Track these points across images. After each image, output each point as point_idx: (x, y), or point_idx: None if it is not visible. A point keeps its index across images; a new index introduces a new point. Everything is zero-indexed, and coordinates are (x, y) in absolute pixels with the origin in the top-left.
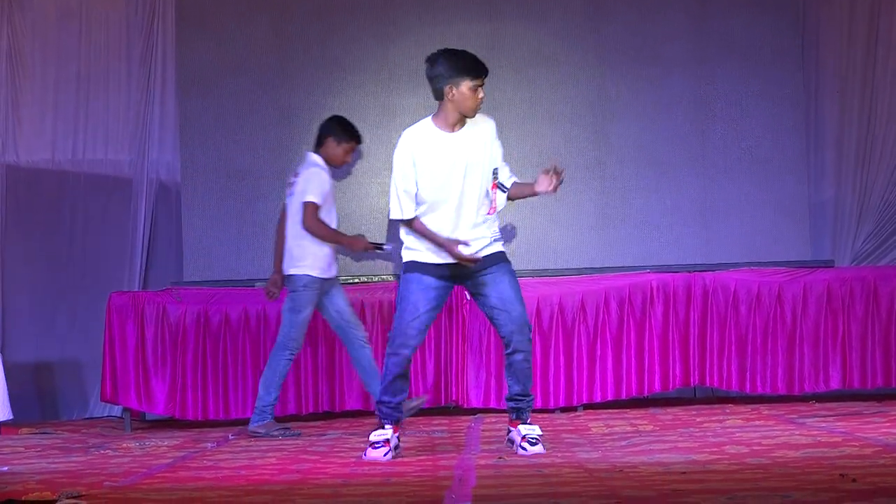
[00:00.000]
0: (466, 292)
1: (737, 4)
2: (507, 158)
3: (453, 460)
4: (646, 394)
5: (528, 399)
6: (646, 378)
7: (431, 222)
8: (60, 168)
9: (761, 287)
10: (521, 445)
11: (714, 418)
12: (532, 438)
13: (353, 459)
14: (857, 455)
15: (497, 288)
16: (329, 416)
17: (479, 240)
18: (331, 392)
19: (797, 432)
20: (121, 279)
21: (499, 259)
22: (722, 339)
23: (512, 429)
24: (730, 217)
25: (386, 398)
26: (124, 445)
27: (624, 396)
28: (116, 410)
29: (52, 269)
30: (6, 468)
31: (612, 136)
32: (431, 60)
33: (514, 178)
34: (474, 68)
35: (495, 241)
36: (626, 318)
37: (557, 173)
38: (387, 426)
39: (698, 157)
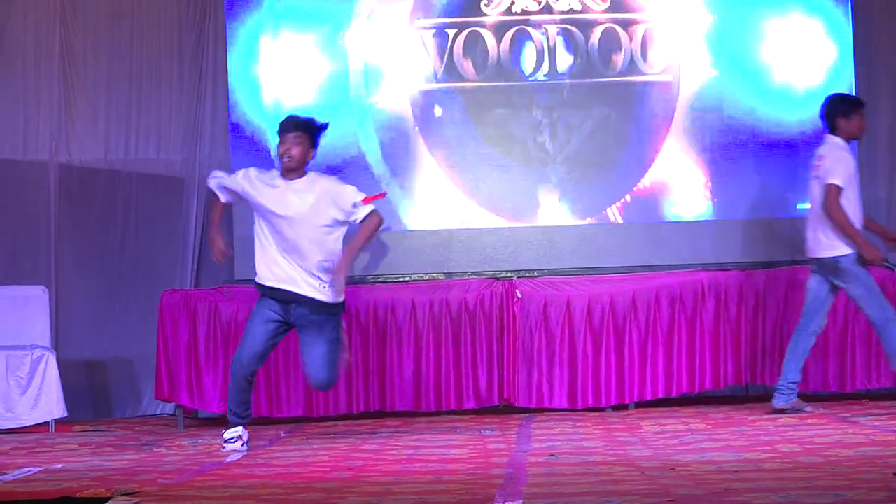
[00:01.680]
0: (518, 291)
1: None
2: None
3: (504, 458)
4: (697, 392)
5: None
6: (697, 376)
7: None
8: (113, 167)
9: None
10: None
11: (766, 417)
12: None
13: (405, 457)
14: None
15: (312, 349)
16: (381, 415)
17: (313, 284)
18: (381, 391)
19: (850, 431)
20: (173, 277)
21: (324, 312)
22: (774, 336)
23: None
24: (780, 214)
25: (231, 406)
26: (177, 443)
27: (675, 394)
28: (169, 408)
29: (105, 267)
30: (60, 465)
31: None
32: None
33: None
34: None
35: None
36: (677, 316)
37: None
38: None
39: (748, 155)
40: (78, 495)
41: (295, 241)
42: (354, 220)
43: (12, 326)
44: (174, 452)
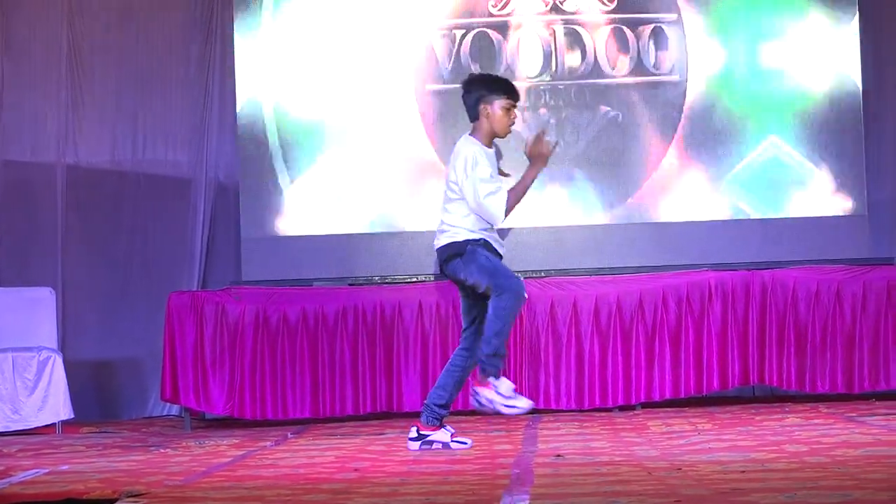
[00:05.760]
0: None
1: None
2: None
3: (511, 459)
4: (704, 392)
5: None
6: (704, 377)
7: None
8: (120, 168)
9: (820, 285)
10: (456, 441)
11: (773, 417)
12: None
13: (412, 458)
14: None
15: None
16: (387, 416)
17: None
18: (389, 392)
19: (857, 431)
20: (180, 279)
21: None
22: (781, 337)
23: (433, 432)
24: (788, 215)
25: (503, 350)
26: (184, 444)
27: (682, 395)
28: (175, 410)
29: (112, 268)
30: (67, 467)
31: (667, 133)
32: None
33: None
34: (508, 90)
35: None
36: (684, 317)
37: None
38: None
39: (756, 154)
40: (84, 497)
41: None
42: None
43: (19, 328)
44: (181, 454)
